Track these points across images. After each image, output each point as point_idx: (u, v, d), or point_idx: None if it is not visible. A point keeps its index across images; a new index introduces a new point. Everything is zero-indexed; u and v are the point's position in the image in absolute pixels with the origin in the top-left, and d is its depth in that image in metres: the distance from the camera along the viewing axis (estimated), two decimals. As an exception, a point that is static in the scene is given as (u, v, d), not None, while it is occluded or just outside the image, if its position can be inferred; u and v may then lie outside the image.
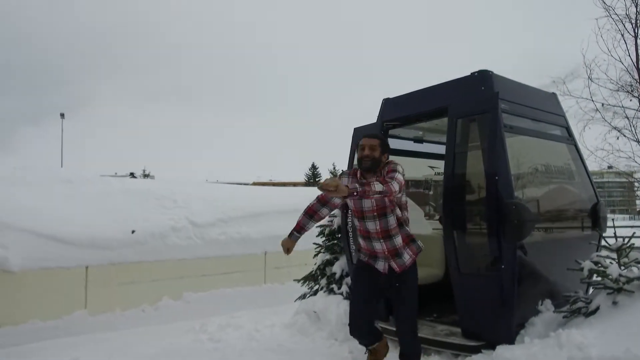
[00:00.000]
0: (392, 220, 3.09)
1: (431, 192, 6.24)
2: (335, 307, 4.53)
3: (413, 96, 4.21)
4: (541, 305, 3.60)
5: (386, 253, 3.10)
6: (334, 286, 4.77)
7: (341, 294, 4.65)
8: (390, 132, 4.47)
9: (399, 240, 3.10)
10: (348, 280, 4.70)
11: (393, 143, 4.59)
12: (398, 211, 3.11)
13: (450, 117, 3.78)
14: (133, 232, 5.63)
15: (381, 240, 3.09)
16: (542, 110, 4.11)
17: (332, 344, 4.29)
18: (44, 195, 5.91)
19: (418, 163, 5.49)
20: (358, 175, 3.13)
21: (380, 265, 3.14)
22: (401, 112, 4.29)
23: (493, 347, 3.29)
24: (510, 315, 3.37)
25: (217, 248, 6.41)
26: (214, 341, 4.62)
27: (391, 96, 4.44)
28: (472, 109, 3.71)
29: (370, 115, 4.59)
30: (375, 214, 3.08)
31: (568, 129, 4.43)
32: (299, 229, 3.28)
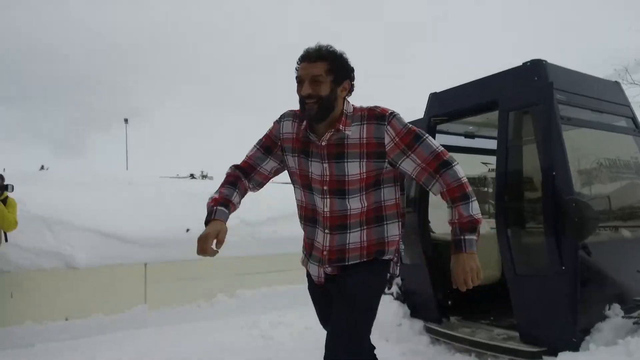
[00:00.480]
0: (357, 203, 1.82)
1: (490, 190, 6.02)
2: (384, 307, 4.49)
3: (461, 89, 4.05)
4: (608, 310, 3.34)
5: (324, 253, 1.89)
6: (383, 286, 4.70)
7: (391, 294, 4.58)
8: (439, 127, 4.33)
9: (358, 236, 1.85)
10: (398, 280, 4.62)
11: (441, 139, 4.45)
12: (385, 191, 1.85)
13: (501, 110, 3.60)
14: (187, 230, 5.83)
15: (326, 230, 1.86)
16: (604, 100, 3.82)
17: (384, 345, 4.24)
18: (107, 197, 6.25)
19: (470, 159, 5.30)
20: (303, 129, 1.85)
21: (313, 270, 1.98)
22: (449, 106, 4.13)
23: (555, 354, 3.09)
24: (573, 320, 3.15)
25: (268, 246, 6.50)
26: (265, 338, 4.71)
27: (438, 90, 4.31)
28: (525, 100, 3.51)
29: (418, 111, 4.47)
30: (326, 187, 1.82)
31: (634, 120, 4.09)
32: (224, 202, 1.87)
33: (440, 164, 1.74)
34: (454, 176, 1.73)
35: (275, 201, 7.22)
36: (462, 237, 1.70)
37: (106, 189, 6.58)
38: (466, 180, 1.74)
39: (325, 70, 1.74)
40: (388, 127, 1.75)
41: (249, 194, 2.06)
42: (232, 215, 1.77)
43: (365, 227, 1.85)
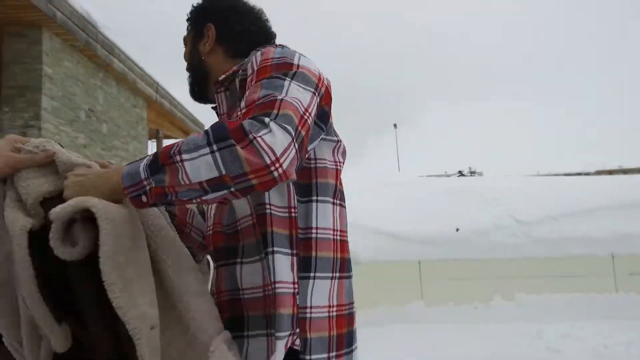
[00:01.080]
0: (244, 205, 0.98)
1: None
2: None
3: None
4: None
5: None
6: None
7: None
8: None
9: (236, 277, 0.98)
10: None
11: None
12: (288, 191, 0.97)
13: None
14: (457, 230, 5.79)
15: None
16: None
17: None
18: (381, 198, 6.82)
19: None
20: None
21: None
22: None
23: None
24: None
25: (546, 247, 5.86)
26: (552, 351, 4.26)
27: None
28: None
29: None
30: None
31: None
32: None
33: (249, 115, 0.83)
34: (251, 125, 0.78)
35: (554, 197, 6.48)
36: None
37: (380, 191, 7.19)
38: (264, 142, 0.75)
39: (188, 31, 1.22)
40: (258, 53, 1.00)
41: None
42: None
43: (240, 259, 0.99)
